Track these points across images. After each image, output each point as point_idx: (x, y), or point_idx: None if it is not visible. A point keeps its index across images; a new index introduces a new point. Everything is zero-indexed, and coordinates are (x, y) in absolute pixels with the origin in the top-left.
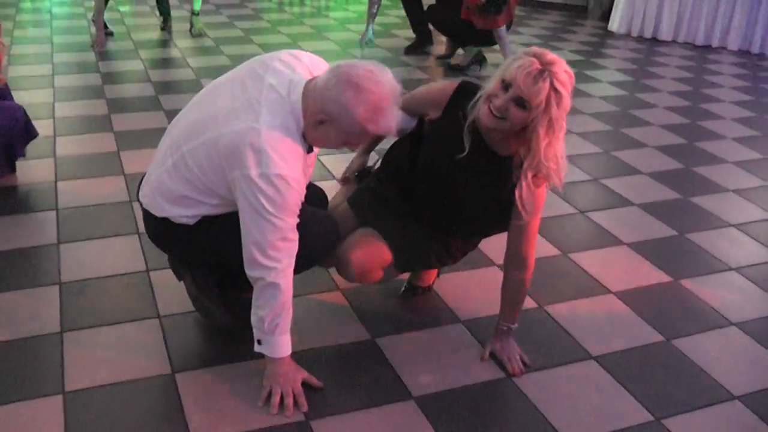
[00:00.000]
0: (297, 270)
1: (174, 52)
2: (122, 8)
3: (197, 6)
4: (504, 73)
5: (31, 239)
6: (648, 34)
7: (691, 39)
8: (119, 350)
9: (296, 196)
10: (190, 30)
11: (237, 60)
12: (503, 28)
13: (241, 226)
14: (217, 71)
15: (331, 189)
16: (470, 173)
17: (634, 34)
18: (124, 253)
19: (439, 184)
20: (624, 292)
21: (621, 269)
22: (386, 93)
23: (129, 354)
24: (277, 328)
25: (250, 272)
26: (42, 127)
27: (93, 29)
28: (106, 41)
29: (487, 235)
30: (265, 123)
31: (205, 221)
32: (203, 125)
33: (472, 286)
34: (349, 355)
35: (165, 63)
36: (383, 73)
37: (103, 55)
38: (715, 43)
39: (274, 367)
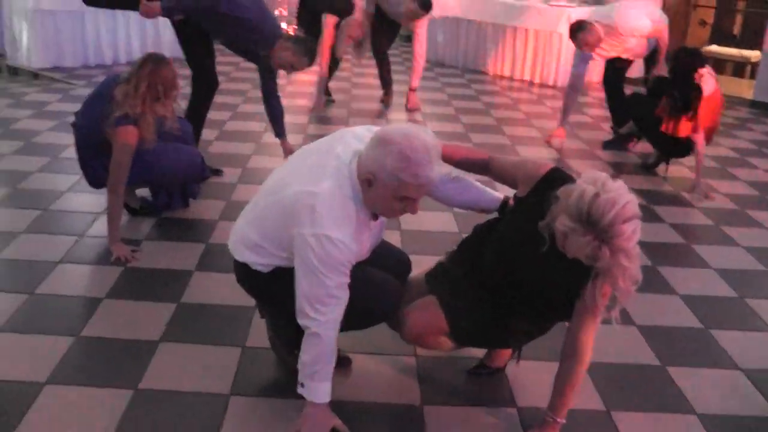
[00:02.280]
0: (355, 326)
1: (380, 123)
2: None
3: (416, 83)
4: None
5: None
6: None
7: None
8: (196, 366)
9: (343, 257)
10: (406, 105)
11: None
12: (699, 136)
13: (295, 279)
14: None
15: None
16: (542, 263)
17: None
18: None
19: (508, 262)
20: (711, 416)
21: (717, 392)
22: (417, 145)
23: (202, 370)
24: (315, 375)
25: (299, 320)
26: (229, 174)
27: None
28: (325, 106)
29: (550, 320)
30: (324, 187)
31: (279, 271)
32: (281, 185)
33: (545, 377)
34: (391, 415)
35: None
36: (417, 130)
37: (319, 119)
38: None
39: (308, 410)
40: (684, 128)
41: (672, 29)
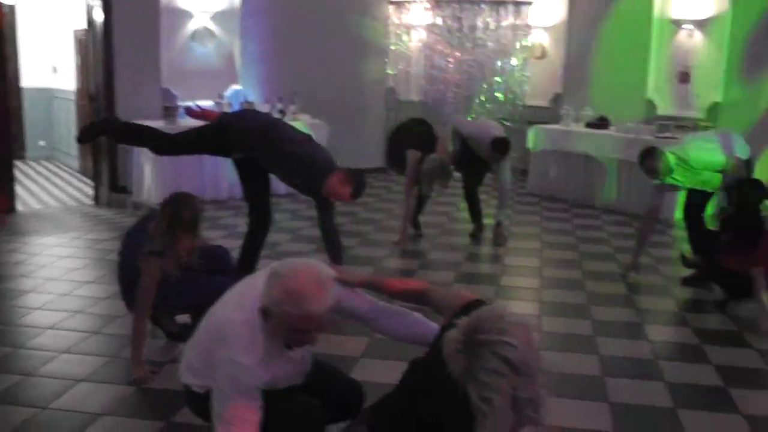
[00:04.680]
0: None
1: (458, 258)
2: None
3: (502, 217)
4: None
5: None
6: None
7: None
8: None
9: (250, 382)
10: (493, 239)
11: (512, 268)
12: (759, 272)
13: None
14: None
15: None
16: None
17: None
18: None
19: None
20: None
21: None
22: (303, 279)
23: None
24: None
25: None
26: None
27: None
28: (411, 240)
29: None
30: (238, 315)
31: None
32: (214, 310)
33: None
34: None
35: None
36: (309, 264)
37: (402, 252)
38: None
39: None
40: (740, 263)
41: None
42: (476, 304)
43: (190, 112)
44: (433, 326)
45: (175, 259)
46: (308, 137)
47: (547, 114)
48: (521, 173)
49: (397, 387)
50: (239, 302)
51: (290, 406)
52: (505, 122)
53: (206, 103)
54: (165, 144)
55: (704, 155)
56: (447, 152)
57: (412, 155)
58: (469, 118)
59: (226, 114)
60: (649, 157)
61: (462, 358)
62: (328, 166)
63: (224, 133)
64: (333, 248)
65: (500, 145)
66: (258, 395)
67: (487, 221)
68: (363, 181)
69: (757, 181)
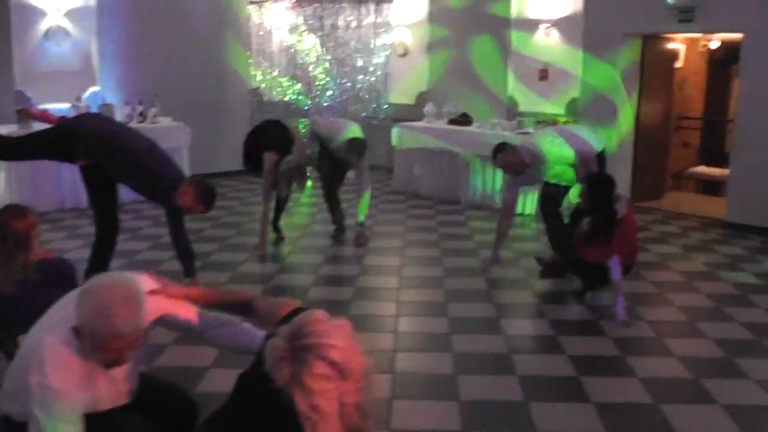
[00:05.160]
0: None
1: (324, 260)
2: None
3: (363, 217)
4: None
5: None
6: None
7: None
8: None
9: (65, 406)
10: (356, 240)
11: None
12: (614, 262)
13: None
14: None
15: None
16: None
17: None
18: None
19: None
20: None
21: None
22: (113, 295)
23: None
24: None
25: None
26: None
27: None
28: (273, 244)
29: None
30: (51, 337)
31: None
32: (31, 332)
33: None
34: None
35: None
36: (120, 278)
37: (262, 257)
38: None
39: None
40: (595, 254)
41: (652, 149)
42: (297, 312)
43: (26, 112)
44: (261, 336)
45: (10, 276)
46: (152, 146)
47: (413, 112)
48: (387, 171)
49: (227, 400)
50: (54, 322)
51: (110, 428)
52: (369, 121)
53: (62, 106)
54: (8, 148)
55: (554, 149)
56: (304, 153)
57: (269, 157)
58: (331, 119)
59: (65, 118)
60: (501, 152)
61: (287, 366)
62: (174, 180)
63: (67, 139)
64: (184, 257)
65: (356, 146)
66: (75, 419)
67: (351, 221)
68: (212, 193)
69: (606, 175)
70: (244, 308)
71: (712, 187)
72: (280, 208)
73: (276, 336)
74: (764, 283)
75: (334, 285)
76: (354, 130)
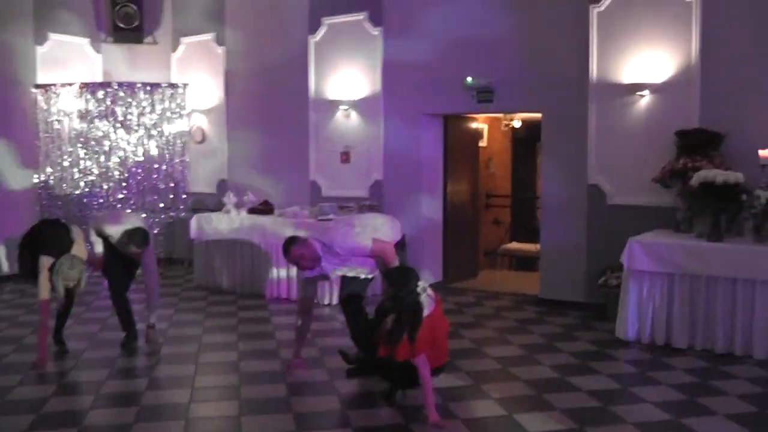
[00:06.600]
0: None
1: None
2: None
3: (153, 318)
4: None
5: None
6: (661, 341)
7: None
8: None
9: None
10: (146, 340)
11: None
12: (421, 360)
13: None
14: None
15: None
16: None
17: (645, 341)
18: None
19: None
20: None
21: None
22: None
23: None
24: None
25: None
26: None
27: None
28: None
29: None
30: None
31: None
32: None
33: None
34: None
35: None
36: None
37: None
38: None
39: None
40: (403, 353)
41: (462, 228)
42: None
43: None
44: None
45: None
46: None
47: (214, 200)
48: (189, 265)
49: None
50: None
51: None
52: (168, 212)
53: None
54: None
55: (349, 240)
56: (85, 255)
57: (45, 262)
58: (112, 212)
59: None
60: (293, 244)
61: None
62: None
63: None
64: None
65: (134, 237)
66: None
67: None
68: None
69: (409, 268)
70: None
71: (525, 263)
72: (62, 317)
73: None
74: (582, 362)
75: (116, 405)
76: (133, 222)
